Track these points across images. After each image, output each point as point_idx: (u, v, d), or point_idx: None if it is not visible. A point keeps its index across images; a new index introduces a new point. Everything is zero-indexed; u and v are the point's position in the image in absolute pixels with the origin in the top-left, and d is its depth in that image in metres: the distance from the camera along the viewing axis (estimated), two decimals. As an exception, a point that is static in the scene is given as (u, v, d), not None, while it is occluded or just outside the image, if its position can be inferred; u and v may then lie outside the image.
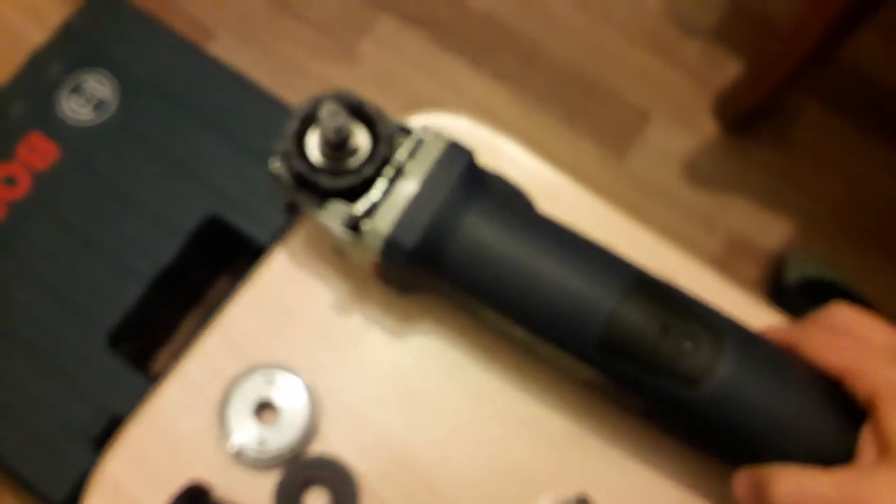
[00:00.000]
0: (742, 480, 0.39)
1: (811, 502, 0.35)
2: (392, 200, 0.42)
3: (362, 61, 1.22)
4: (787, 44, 1.09)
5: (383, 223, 0.41)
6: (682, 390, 0.39)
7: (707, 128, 1.22)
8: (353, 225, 0.42)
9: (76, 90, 0.97)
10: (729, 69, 1.25)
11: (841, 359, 0.38)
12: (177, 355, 0.93)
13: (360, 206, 0.42)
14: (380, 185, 0.42)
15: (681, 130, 1.21)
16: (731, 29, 1.28)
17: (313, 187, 0.43)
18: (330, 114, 0.41)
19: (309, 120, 0.44)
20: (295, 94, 1.00)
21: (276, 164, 0.44)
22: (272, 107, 0.98)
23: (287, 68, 1.20)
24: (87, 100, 0.97)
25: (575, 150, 1.19)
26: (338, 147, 0.43)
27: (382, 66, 1.22)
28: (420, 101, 1.14)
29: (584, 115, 1.21)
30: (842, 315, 0.39)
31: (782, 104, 1.23)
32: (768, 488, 0.36)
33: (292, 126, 0.43)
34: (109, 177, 0.94)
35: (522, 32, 1.25)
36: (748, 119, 1.21)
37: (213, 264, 1.05)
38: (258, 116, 0.97)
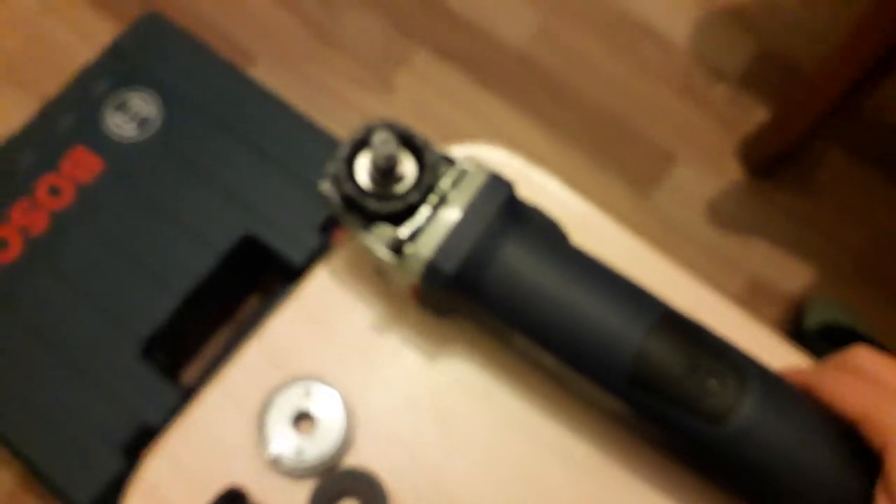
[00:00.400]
0: None
1: None
2: (435, 227, 0.43)
3: (398, 92, 1.25)
4: (813, 92, 1.10)
5: (425, 248, 0.43)
6: (705, 427, 0.40)
7: (732, 171, 1.24)
8: (397, 248, 0.43)
9: (121, 107, 1.00)
10: (755, 114, 1.27)
11: (857, 403, 0.37)
12: (207, 368, 0.95)
13: (405, 230, 0.43)
14: (424, 212, 0.44)
15: (706, 172, 1.23)
16: (758, 74, 1.30)
17: (360, 210, 0.45)
18: (382, 141, 0.42)
19: (360, 145, 0.46)
20: (331, 121, 1.03)
21: (326, 186, 0.46)
22: (309, 131, 1.00)
23: (324, 95, 1.24)
24: (131, 117, 1.00)
25: (602, 186, 1.21)
26: (386, 173, 0.44)
27: (417, 97, 1.25)
28: (452, 133, 1.17)
29: (612, 153, 1.23)
30: (862, 358, 0.39)
31: (807, 150, 1.24)
32: None
33: (344, 150, 0.45)
34: (150, 192, 0.97)
35: (555, 71, 1.28)
36: (773, 164, 1.22)
37: (245, 282, 1.07)
38: (295, 140, 0.99)
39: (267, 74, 1.23)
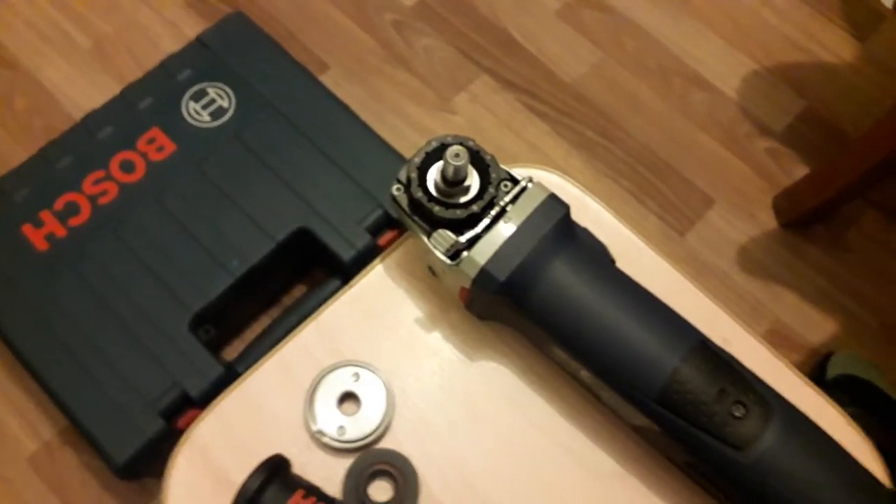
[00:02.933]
0: None
1: None
2: (491, 237, 0.47)
3: (456, 112, 1.30)
4: (854, 157, 1.12)
5: (481, 256, 0.46)
6: (727, 451, 0.42)
7: (766, 221, 1.26)
8: (455, 253, 0.47)
9: (199, 97, 1.06)
10: (795, 170, 1.29)
11: None
12: (247, 347, 0.99)
13: (465, 237, 0.47)
14: (483, 222, 0.47)
15: (741, 219, 1.26)
16: (802, 133, 1.33)
17: (425, 215, 0.49)
18: (454, 154, 0.47)
19: (433, 156, 0.50)
20: (390, 133, 1.08)
21: (397, 189, 0.51)
22: (371, 140, 1.05)
23: (386, 108, 1.29)
24: (207, 106, 1.05)
25: (636, 222, 1.24)
26: (454, 184, 0.49)
27: (473, 119, 1.30)
28: (502, 156, 1.21)
29: (651, 191, 1.27)
30: None
31: (841, 209, 1.26)
32: None
33: (418, 158, 0.50)
34: (216, 178, 1.01)
35: (606, 109, 1.33)
36: (806, 219, 1.24)
37: (293, 271, 1.11)
38: (356, 146, 1.04)
39: (335, 83, 1.29)
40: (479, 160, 0.50)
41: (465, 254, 0.47)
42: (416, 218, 0.49)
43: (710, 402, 0.43)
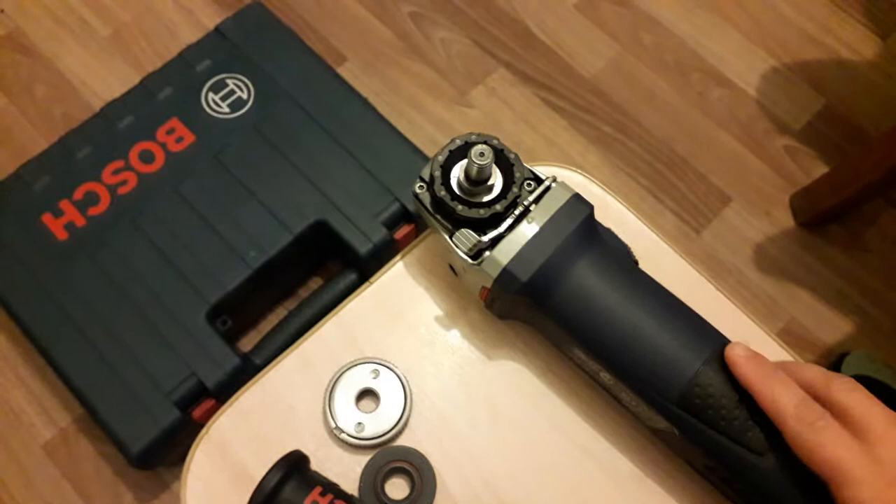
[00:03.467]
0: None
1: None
2: (514, 237, 0.46)
3: (473, 106, 1.30)
4: (873, 157, 1.11)
5: (503, 255, 0.46)
6: (748, 456, 0.42)
7: (783, 219, 1.25)
8: (478, 252, 0.47)
9: (217, 88, 1.06)
10: (813, 169, 1.29)
11: (833, 459, 0.39)
12: (263, 338, 0.99)
13: (487, 236, 0.46)
14: (506, 222, 0.47)
15: (758, 217, 1.25)
16: (821, 132, 1.32)
17: (448, 213, 0.48)
18: (479, 153, 0.46)
19: (457, 154, 0.49)
20: (406, 125, 1.08)
21: (420, 187, 0.50)
22: (389, 134, 1.05)
23: (403, 101, 1.29)
24: (226, 98, 1.05)
25: (653, 218, 1.24)
26: (477, 183, 0.48)
27: (490, 112, 1.30)
28: (518, 151, 1.20)
29: (668, 188, 1.26)
30: (856, 402, 0.41)
31: (858, 209, 1.26)
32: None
33: (442, 157, 0.49)
34: (235, 169, 1.02)
35: (623, 104, 1.32)
36: (823, 218, 1.24)
37: (310, 263, 1.11)
38: (375, 140, 1.04)
39: (352, 75, 1.29)
40: (503, 159, 0.49)
41: (487, 253, 0.47)
42: (438, 217, 0.49)
43: (731, 406, 0.43)
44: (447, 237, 0.49)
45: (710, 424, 0.43)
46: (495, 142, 0.49)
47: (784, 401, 0.41)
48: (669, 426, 0.45)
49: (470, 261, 0.47)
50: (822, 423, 0.40)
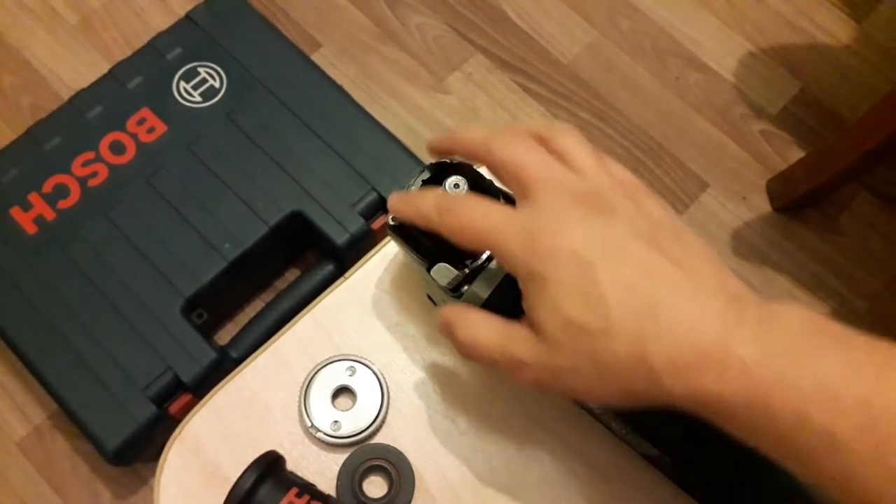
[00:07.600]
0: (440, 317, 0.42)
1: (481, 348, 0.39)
2: (494, 269, 0.44)
3: (449, 92, 1.29)
4: (849, 141, 1.11)
5: (483, 289, 0.43)
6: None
7: (760, 204, 1.26)
8: (456, 286, 0.44)
9: (189, 76, 1.04)
10: (790, 153, 1.29)
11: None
12: (240, 331, 0.98)
13: (467, 269, 0.44)
14: (485, 253, 0.44)
15: (734, 203, 1.26)
16: (797, 116, 1.32)
17: (423, 246, 0.46)
18: (453, 183, 0.44)
19: (430, 183, 0.46)
20: (382, 111, 1.07)
21: (394, 219, 0.47)
22: (364, 122, 1.04)
23: (379, 87, 1.28)
24: (198, 87, 1.04)
25: (630, 204, 1.23)
26: None
27: (467, 99, 1.29)
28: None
29: (645, 174, 1.26)
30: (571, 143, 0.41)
31: (835, 193, 1.26)
32: (454, 332, 0.41)
33: (415, 188, 0.46)
34: (208, 159, 1.00)
35: (600, 90, 1.32)
36: (799, 203, 1.24)
37: (286, 255, 1.10)
38: (350, 128, 1.03)
39: (328, 62, 1.27)
40: (479, 186, 0.46)
41: (466, 287, 0.44)
42: (415, 254, 0.47)
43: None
44: (425, 272, 0.46)
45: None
46: (469, 166, 0.46)
47: (426, 205, 0.41)
48: (661, 454, 0.45)
49: (448, 295, 0.45)
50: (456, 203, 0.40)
